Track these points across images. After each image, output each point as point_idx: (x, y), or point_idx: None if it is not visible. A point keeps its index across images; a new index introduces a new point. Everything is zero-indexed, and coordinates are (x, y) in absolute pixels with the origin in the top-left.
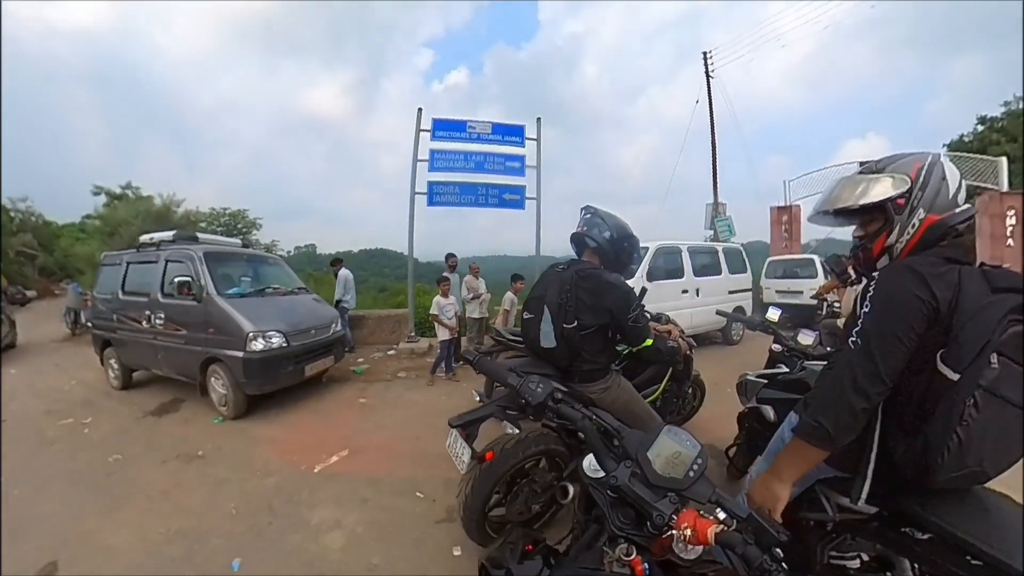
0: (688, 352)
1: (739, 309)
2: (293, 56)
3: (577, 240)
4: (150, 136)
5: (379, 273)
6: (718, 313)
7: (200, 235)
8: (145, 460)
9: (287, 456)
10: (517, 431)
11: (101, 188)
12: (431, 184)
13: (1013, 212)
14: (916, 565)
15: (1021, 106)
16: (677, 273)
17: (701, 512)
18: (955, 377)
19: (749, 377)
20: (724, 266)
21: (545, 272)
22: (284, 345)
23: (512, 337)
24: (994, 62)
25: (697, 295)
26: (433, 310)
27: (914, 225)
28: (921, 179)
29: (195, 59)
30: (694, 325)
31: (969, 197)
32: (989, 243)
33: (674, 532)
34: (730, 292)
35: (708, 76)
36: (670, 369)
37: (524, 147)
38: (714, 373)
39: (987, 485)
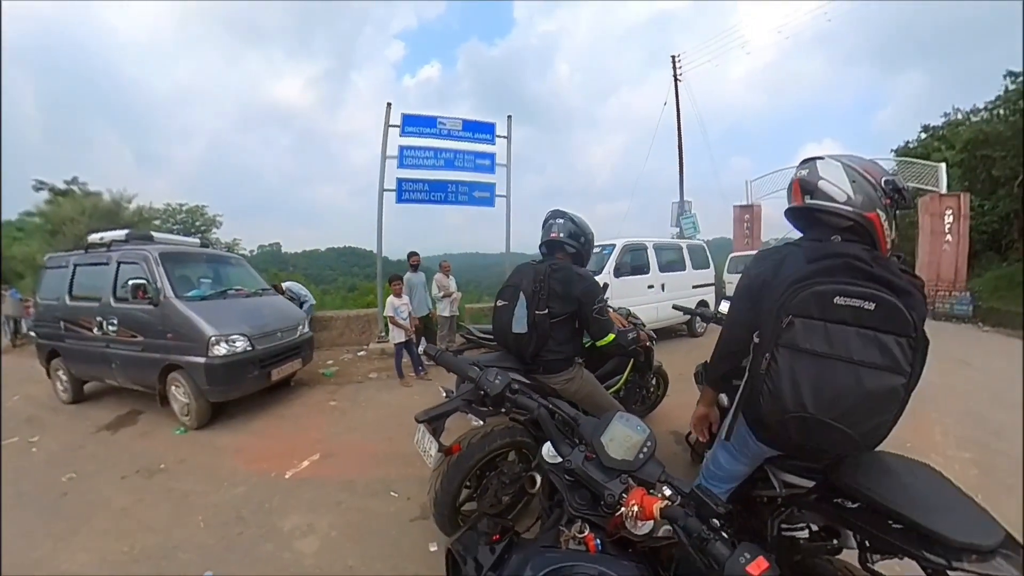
0: (648, 343)
1: (703, 303)
2: (257, 44)
3: (552, 245)
4: (98, 125)
5: (348, 272)
6: (675, 307)
7: (155, 234)
8: (102, 477)
9: (256, 464)
10: (482, 423)
11: (44, 183)
12: (400, 181)
13: (950, 212)
14: (853, 532)
15: (959, 117)
16: (643, 269)
17: (650, 491)
18: (757, 340)
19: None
20: (688, 262)
21: (520, 266)
22: (248, 349)
23: (482, 335)
24: (933, 79)
25: (663, 290)
26: (387, 311)
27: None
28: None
29: (149, 42)
30: (660, 319)
31: (914, 198)
32: (929, 240)
33: (624, 509)
34: (694, 287)
35: (676, 79)
36: (631, 361)
37: (495, 144)
38: (680, 364)
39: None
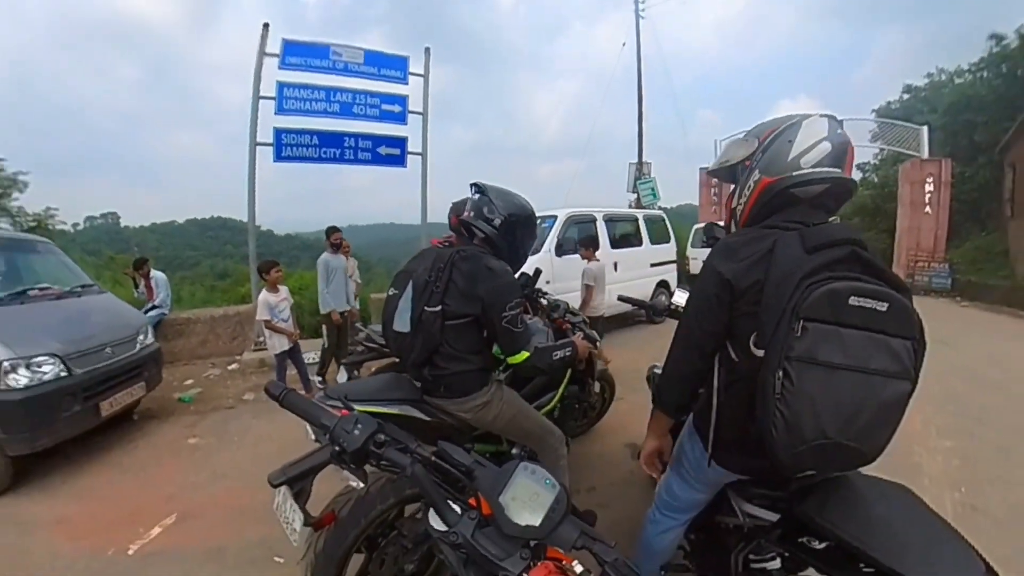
0: (590, 350)
1: (663, 284)
2: None
3: (466, 228)
4: None
5: (219, 253)
6: (620, 299)
7: None
8: None
9: (85, 539)
10: (360, 484)
11: None
12: (278, 132)
13: (931, 178)
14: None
15: (943, 79)
16: (591, 246)
17: (560, 565)
18: (761, 354)
19: (656, 370)
20: (645, 236)
21: (426, 249)
22: (63, 374)
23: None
24: (916, 36)
25: (615, 270)
26: (261, 313)
27: (749, 187)
28: (768, 140)
29: None
30: (612, 305)
31: (894, 163)
32: (909, 209)
33: None
34: (652, 265)
35: (638, 16)
36: (568, 371)
37: (407, 85)
38: (636, 358)
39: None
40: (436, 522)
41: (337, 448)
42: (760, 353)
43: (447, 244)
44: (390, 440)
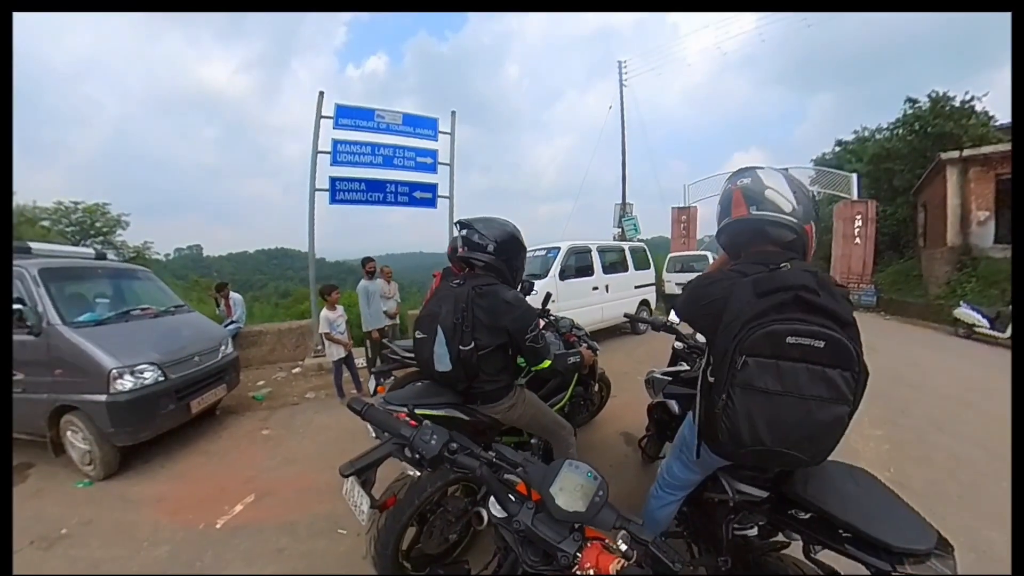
0: (594, 357)
1: (644, 302)
2: (179, 22)
3: (465, 262)
4: None
5: (281, 276)
6: (625, 316)
7: (35, 245)
8: None
9: (180, 515)
10: (417, 474)
11: None
12: (333, 179)
13: (860, 216)
14: (806, 539)
15: (866, 134)
16: (588, 271)
17: (606, 544)
18: (713, 380)
19: (655, 374)
20: (630, 263)
21: (438, 289)
22: (160, 379)
23: (407, 354)
24: (846, 100)
25: (607, 291)
26: (322, 327)
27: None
28: None
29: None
30: (604, 319)
31: (829, 204)
32: (841, 241)
33: (579, 573)
34: (636, 287)
35: (621, 84)
36: (576, 375)
37: (437, 141)
38: (624, 363)
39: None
40: (498, 511)
41: (417, 456)
42: (712, 380)
43: (459, 283)
44: (460, 448)
